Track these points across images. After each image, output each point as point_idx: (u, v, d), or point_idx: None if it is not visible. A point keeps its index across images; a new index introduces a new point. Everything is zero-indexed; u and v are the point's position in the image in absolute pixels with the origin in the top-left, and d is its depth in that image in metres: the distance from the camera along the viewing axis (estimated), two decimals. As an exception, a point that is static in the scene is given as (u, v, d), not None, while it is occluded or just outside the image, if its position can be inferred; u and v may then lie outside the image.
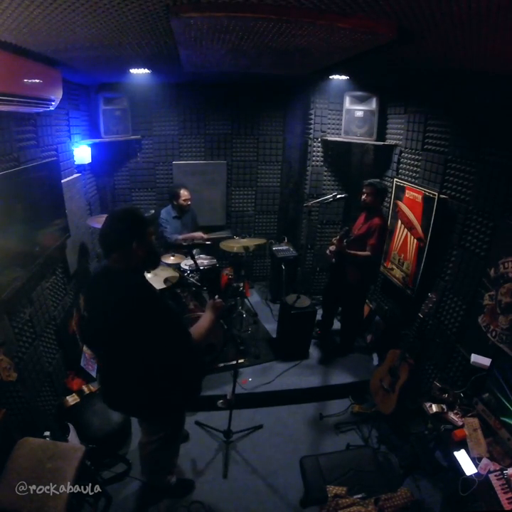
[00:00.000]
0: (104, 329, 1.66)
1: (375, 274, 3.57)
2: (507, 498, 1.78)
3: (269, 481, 2.58)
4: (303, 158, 4.43)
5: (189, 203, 3.92)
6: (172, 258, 3.63)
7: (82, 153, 3.54)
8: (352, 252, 3.18)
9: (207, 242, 3.65)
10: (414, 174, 3.29)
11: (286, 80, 3.93)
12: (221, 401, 2.67)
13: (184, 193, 3.86)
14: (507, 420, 1.99)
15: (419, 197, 3.07)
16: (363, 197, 3.23)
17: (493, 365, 2.18)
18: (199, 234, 3.91)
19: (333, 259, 3.40)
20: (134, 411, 2.06)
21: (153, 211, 3.65)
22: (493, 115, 2.37)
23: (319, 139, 4.17)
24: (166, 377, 1.76)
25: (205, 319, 1.90)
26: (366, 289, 3.63)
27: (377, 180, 3.34)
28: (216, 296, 2.00)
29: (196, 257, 3.84)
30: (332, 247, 3.32)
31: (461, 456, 2.01)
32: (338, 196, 3.62)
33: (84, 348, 3.11)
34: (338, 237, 3.21)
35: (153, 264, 1.78)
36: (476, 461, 1.97)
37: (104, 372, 1.92)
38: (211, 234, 4.01)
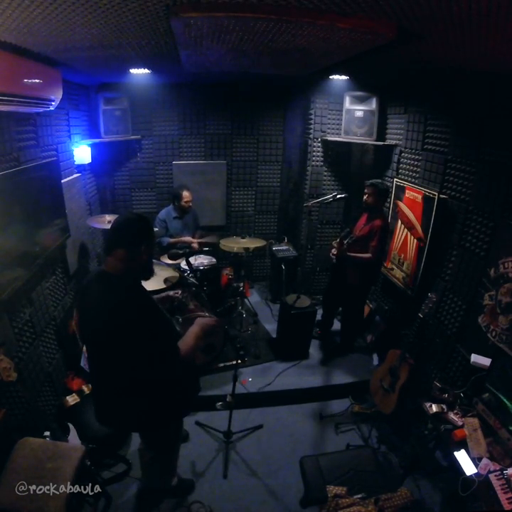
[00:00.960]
0: (97, 333, 1.61)
1: (376, 276, 3.56)
2: (507, 498, 1.78)
3: (269, 481, 2.58)
4: (303, 158, 4.43)
5: (190, 204, 3.93)
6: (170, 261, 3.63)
7: (82, 153, 3.54)
8: (353, 254, 3.17)
9: (201, 248, 3.69)
10: (414, 174, 3.29)
11: (286, 80, 3.93)
12: (220, 403, 2.67)
13: (186, 195, 3.86)
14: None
15: (419, 197, 3.07)
16: (365, 197, 3.22)
17: (493, 365, 2.18)
18: (189, 238, 3.91)
19: (334, 260, 3.39)
20: (125, 425, 1.99)
21: (157, 229, 3.72)
22: (493, 115, 2.37)
23: (319, 139, 4.17)
24: (155, 389, 1.71)
25: (190, 335, 1.79)
26: (367, 289, 3.62)
27: (379, 180, 3.33)
28: (216, 312, 1.93)
29: (196, 256, 3.86)
30: (334, 251, 3.30)
31: (461, 456, 2.01)
32: (338, 196, 3.62)
33: (85, 348, 3.11)
34: (338, 239, 3.20)
35: (150, 273, 1.75)
36: (476, 461, 1.97)
37: (96, 383, 1.85)
38: (203, 237, 4.02)
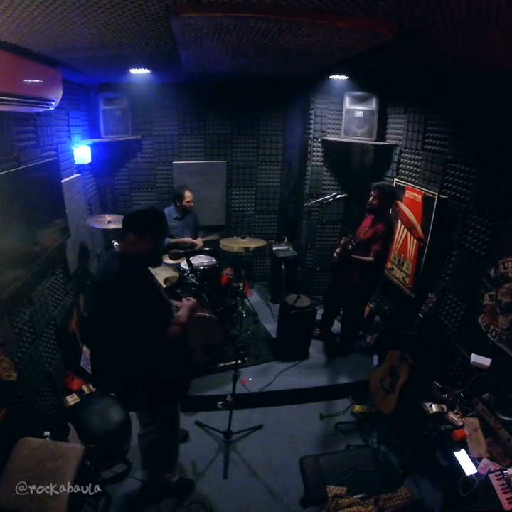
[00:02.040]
0: (95, 297, 1.86)
1: (377, 278, 3.53)
2: (507, 498, 1.78)
3: (269, 481, 2.58)
4: (303, 158, 4.43)
5: (192, 204, 3.93)
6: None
7: (82, 153, 3.54)
8: (356, 257, 3.15)
9: (202, 249, 3.71)
10: (414, 174, 3.29)
11: (286, 80, 3.93)
12: (221, 402, 2.67)
13: (188, 194, 3.86)
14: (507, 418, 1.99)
15: (419, 197, 3.07)
16: (370, 200, 3.16)
17: (493, 365, 2.18)
18: (189, 239, 3.92)
19: (337, 261, 3.37)
20: (119, 394, 2.14)
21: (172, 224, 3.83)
22: (493, 115, 2.37)
23: (319, 139, 4.17)
24: (145, 360, 1.80)
25: (181, 315, 1.91)
26: (368, 291, 3.61)
27: (386, 183, 3.29)
28: (187, 298, 2.09)
29: (196, 256, 3.86)
30: (338, 250, 3.28)
31: (461, 456, 2.02)
32: (338, 196, 3.61)
33: (84, 348, 3.12)
34: (342, 242, 3.17)
35: (154, 262, 1.94)
36: (476, 461, 1.97)
37: (93, 353, 2.04)
38: (200, 238, 4.02)
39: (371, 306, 4.03)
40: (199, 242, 3.92)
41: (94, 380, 2.01)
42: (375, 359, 3.62)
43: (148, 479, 2.40)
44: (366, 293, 3.59)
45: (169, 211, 3.94)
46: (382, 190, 3.11)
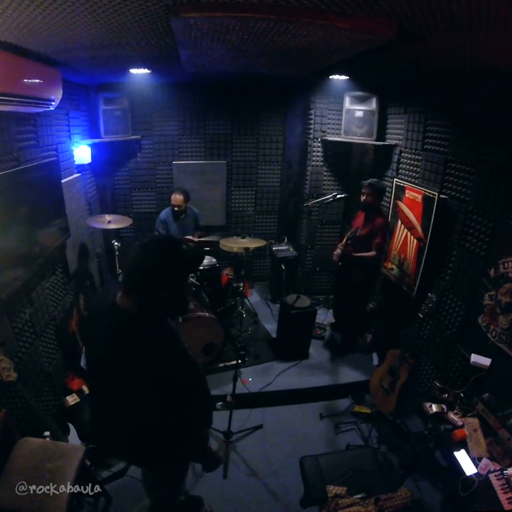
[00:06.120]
0: (110, 370, 1.34)
1: (378, 271, 3.61)
2: (507, 498, 1.77)
3: (269, 481, 2.58)
4: (303, 158, 4.43)
5: (178, 208, 3.84)
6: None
7: (82, 153, 3.54)
8: (358, 254, 3.19)
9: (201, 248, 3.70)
10: (414, 174, 3.29)
11: (286, 80, 3.93)
12: (220, 403, 2.67)
13: (174, 198, 3.79)
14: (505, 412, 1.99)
15: (419, 197, 3.07)
16: (363, 198, 3.25)
17: (493, 365, 2.18)
18: (188, 237, 3.90)
19: (340, 263, 3.39)
20: (130, 457, 1.75)
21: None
22: (493, 115, 2.37)
23: (319, 139, 4.17)
24: (167, 427, 1.37)
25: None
26: (370, 286, 3.65)
27: (376, 180, 3.34)
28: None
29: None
30: (337, 251, 3.33)
31: (461, 456, 2.01)
32: (338, 196, 3.62)
33: (84, 347, 3.11)
34: (344, 240, 3.20)
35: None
36: (476, 461, 1.97)
37: (100, 413, 1.60)
38: (202, 237, 4.00)
39: (371, 305, 4.03)
40: (194, 239, 3.88)
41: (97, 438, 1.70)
42: (375, 359, 3.63)
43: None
44: (369, 288, 3.64)
45: (168, 212, 3.93)
46: (373, 187, 3.20)
